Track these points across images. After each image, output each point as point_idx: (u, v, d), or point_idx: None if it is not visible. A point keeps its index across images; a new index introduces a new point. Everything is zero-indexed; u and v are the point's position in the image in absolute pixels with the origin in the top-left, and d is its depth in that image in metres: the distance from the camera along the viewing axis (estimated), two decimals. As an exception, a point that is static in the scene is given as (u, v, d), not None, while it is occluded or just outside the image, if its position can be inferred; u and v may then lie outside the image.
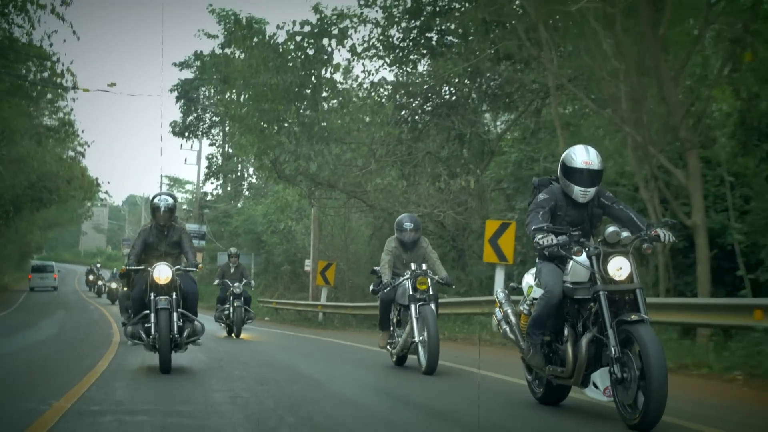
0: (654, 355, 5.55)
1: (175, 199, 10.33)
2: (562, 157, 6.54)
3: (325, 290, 25.56)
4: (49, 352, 13.22)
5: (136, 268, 9.66)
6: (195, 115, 52.64)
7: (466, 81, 21.85)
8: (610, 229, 6.16)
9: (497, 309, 7.43)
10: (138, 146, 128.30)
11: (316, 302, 25.97)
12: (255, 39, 20.85)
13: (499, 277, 15.43)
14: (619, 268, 6.02)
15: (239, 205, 48.28)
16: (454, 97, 21.91)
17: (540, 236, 6.21)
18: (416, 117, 22.45)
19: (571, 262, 6.27)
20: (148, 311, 9.34)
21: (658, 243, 6.26)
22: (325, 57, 20.72)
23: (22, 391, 7.72)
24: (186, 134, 52.44)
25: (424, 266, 9.92)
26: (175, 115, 52.93)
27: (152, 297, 9.26)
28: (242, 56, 21.50)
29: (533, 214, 6.49)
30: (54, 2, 23.60)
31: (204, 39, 50.98)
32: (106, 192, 54.09)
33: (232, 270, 17.41)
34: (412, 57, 22.78)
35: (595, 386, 6.15)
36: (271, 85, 19.44)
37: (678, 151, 12.37)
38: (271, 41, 20.96)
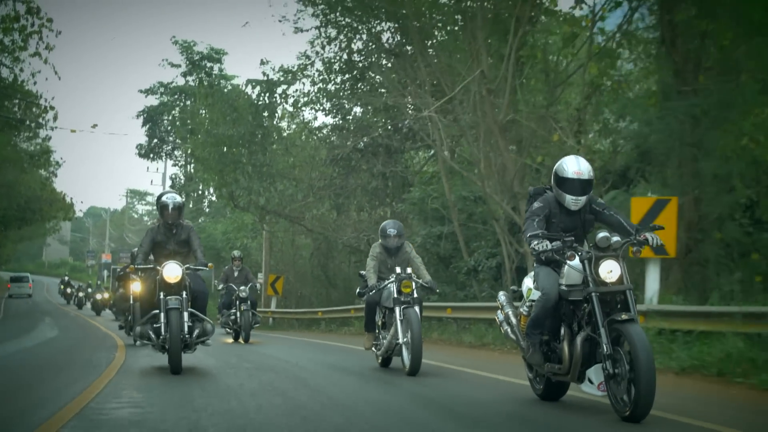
0: (642, 352, 5.85)
1: (181, 197, 10.15)
2: (555, 167, 6.87)
3: (274, 299, 30.36)
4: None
5: (145, 267, 9.52)
6: (158, 138, 57.18)
7: (389, 126, 26.80)
8: (601, 234, 6.41)
9: (499, 311, 7.68)
10: (101, 159, 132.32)
11: (267, 309, 30.76)
12: (209, 96, 25.50)
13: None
14: (610, 270, 6.30)
15: (200, 221, 52.67)
16: (379, 138, 26.83)
17: (535, 242, 6.54)
18: (350, 154, 27.36)
19: (566, 266, 6.54)
20: (157, 311, 9.20)
21: (646, 246, 6.54)
22: (275, 105, 25.65)
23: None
24: (151, 156, 57.06)
25: (408, 270, 10.03)
26: (140, 138, 57.10)
27: (162, 296, 9.10)
28: (206, 107, 26.30)
29: (529, 222, 6.79)
30: (38, 47, 28.01)
31: (168, 68, 55.53)
32: (81, 210, 58.21)
33: (236, 273, 16.85)
34: (346, 105, 27.75)
35: (590, 382, 6.44)
36: (228, 135, 24.29)
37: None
38: (226, 93, 25.81)
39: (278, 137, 25.58)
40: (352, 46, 25.35)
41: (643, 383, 5.79)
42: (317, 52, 25.44)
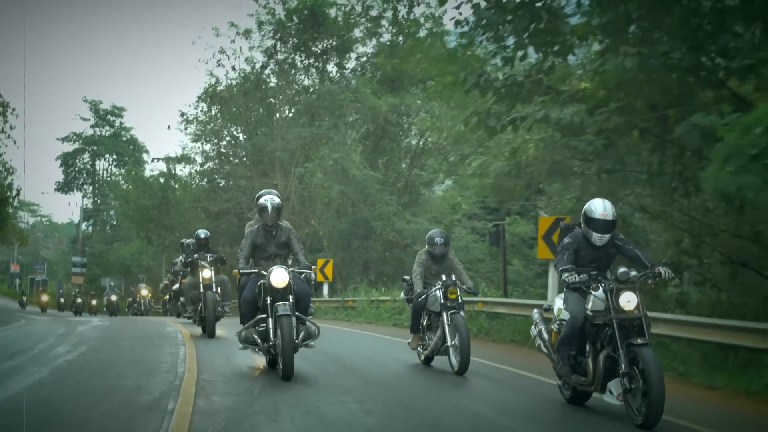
0: (654, 372, 6.85)
1: (280, 198, 9.85)
2: (584, 208, 7.92)
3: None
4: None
5: (249, 271, 9.35)
6: (72, 175, 72.12)
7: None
8: (621, 269, 7.44)
9: (533, 327, 8.79)
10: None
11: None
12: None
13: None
14: (629, 300, 7.29)
15: (102, 241, 67.45)
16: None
17: (566, 275, 7.58)
18: (219, 213, 44.21)
19: (591, 295, 7.55)
20: (263, 315, 9.14)
21: (660, 279, 7.60)
22: (173, 185, 42.51)
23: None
24: (65, 190, 72.02)
25: (453, 277, 10.56)
26: (58, 176, 71.11)
27: (269, 301, 9.02)
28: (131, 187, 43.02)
29: (560, 255, 7.87)
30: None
31: (79, 120, 71.49)
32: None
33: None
34: (216, 179, 44.82)
35: (611, 393, 7.40)
36: (147, 205, 41.02)
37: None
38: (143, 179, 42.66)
39: (175, 203, 42.22)
40: (221, 142, 42.46)
41: (654, 399, 6.78)
42: (199, 145, 42.35)
